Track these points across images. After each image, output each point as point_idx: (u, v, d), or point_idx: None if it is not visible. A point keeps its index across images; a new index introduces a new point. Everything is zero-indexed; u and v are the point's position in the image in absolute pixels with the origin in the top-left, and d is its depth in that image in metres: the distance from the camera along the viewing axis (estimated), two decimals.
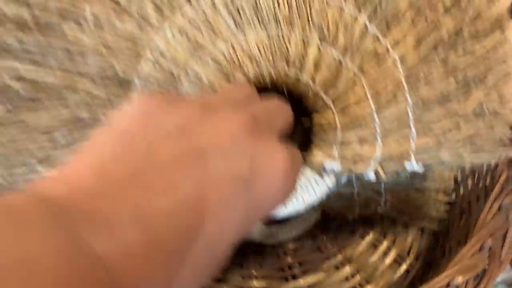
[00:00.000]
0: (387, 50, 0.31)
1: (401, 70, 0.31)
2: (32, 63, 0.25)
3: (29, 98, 0.25)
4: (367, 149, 0.31)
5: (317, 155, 0.30)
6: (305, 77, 0.30)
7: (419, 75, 0.31)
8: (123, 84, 0.27)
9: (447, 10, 0.31)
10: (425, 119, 0.31)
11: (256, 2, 0.29)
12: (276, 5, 0.29)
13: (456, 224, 0.37)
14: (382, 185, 0.36)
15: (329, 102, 0.30)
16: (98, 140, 0.17)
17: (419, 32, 0.31)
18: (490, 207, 0.30)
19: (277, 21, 0.29)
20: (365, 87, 0.30)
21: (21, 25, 0.25)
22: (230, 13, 0.28)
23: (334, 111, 0.30)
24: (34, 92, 0.25)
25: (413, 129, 0.31)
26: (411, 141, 0.31)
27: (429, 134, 0.31)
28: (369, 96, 0.30)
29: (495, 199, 0.30)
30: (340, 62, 0.30)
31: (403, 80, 0.31)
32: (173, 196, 0.15)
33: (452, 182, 0.39)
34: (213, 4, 0.28)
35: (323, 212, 0.40)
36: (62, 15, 0.25)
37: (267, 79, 0.30)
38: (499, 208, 0.30)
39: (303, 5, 0.29)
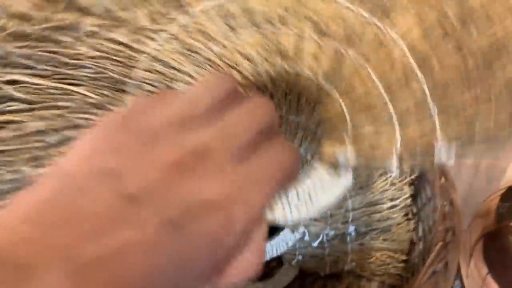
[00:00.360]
0: (393, 40, 0.29)
1: (411, 59, 0.29)
2: (27, 69, 0.26)
3: (23, 102, 0.25)
4: (386, 139, 0.27)
5: (329, 150, 0.27)
6: (306, 71, 0.28)
7: (432, 63, 0.29)
8: (117, 88, 0.27)
9: None
10: (445, 100, 0.28)
11: (248, 7, 0.29)
12: (267, 7, 0.29)
13: (409, 280, 0.43)
14: (349, 246, 0.44)
15: (335, 94, 0.28)
16: (39, 183, 0.17)
17: (425, 21, 0.30)
18: (425, 272, 0.35)
19: (270, 21, 0.29)
20: (374, 76, 0.28)
21: (20, 36, 0.26)
22: (222, 17, 0.29)
23: (342, 102, 0.28)
24: (28, 96, 0.25)
25: (434, 111, 0.28)
26: (435, 121, 0.28)
27: (452, 113, 0.28)
28: (379, 84, 0.28)
29: (429, 265, 0.35)
30: (342, 53, 0.29)
31: (415, 67, 0.29)
32: (103, 244, 0.15)
33: (408, 243, 0.45)
34: (207, 11, 0.29)
35: (300, 269, 0.46)
36: (60, 27, 0.26)
37: (266, 78, 0.28)
38: (433, 273, 0.34)
39: (295, 3, 0.29)
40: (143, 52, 0.27)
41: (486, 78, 0.28)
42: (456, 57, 0.29)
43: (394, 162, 0.27)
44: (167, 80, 0.27)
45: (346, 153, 0.27)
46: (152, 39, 0.27)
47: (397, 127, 0.27)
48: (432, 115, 0.27)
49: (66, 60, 0.26)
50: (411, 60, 0.29)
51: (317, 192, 0.27)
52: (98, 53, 0.27)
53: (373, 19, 0.29)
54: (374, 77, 0.28)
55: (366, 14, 0.29)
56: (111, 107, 0.26)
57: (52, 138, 0.25)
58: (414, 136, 0.27)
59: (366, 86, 0.28)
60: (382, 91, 0.28)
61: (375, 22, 0.29)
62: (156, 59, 0.27)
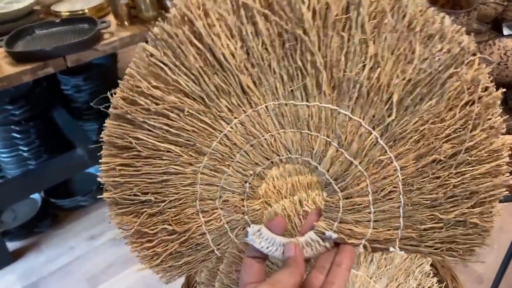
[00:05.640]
0: (391, 160, 0.41)
1: (400, 177, 0.41)
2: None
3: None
4: (360, 230, 0.40)
5: (321, 226, 0.41)
6: (322, 168, 0.41)
7: (414, 184, 0.40)
8: (199, 152, 0.42)
9: (448, 138, 0.40)
10: (413, 217, 0.40)
11: (298, 112, 0.42)
12: (309, 116, 0.41)
13: None
14: None
15: (338, 190, 0.41)
16: None
17: (420, 151, 0.41)
18: None
19: (308, 126, 0.42)
20: (368, 184, 0.41)
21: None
22: (276, 115, 0.42)
23: (340, 197, 0.41)
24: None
25: (402, 223, 0.40)
26: (398, 231, 0.40)
27: (414, 230, 0.40)
28: (369, 190, 0.41)
29: None
30: (351, 163, 0.41)
31: (400, 185, 0.41)
32: None
33: None
34: (266, 109, 0.42)
35: None
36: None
37: (295, 164, 0.42)
38: None
39: (330, 118, 0.41)
40: (220, 132, 0.42)
41: (447, 209, 0.40)
42: (433, 185, 0.40)
43: (361, 246, 0.40)
44: (230, 153, 0.42)
45: (331, 233, 0.40)
46: (228, 124, 0.42)
47: (371, 225, 0.40)
48: (398, 228, 0.39)
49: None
50: (399, 178, 0.41)
51: (306, 248, 0.41)
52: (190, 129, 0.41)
53: (382, 142, 0.41)
54: (368, 184, 0.41)
55: (378, 137, 0.41)
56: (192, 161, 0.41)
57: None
58: (380, 235, 0.40)
59: (361, 189, 0.41)
60: (370, 196, 0.41)
61: (383, 144, 0.41)
62: (228, 138, 0.42)
